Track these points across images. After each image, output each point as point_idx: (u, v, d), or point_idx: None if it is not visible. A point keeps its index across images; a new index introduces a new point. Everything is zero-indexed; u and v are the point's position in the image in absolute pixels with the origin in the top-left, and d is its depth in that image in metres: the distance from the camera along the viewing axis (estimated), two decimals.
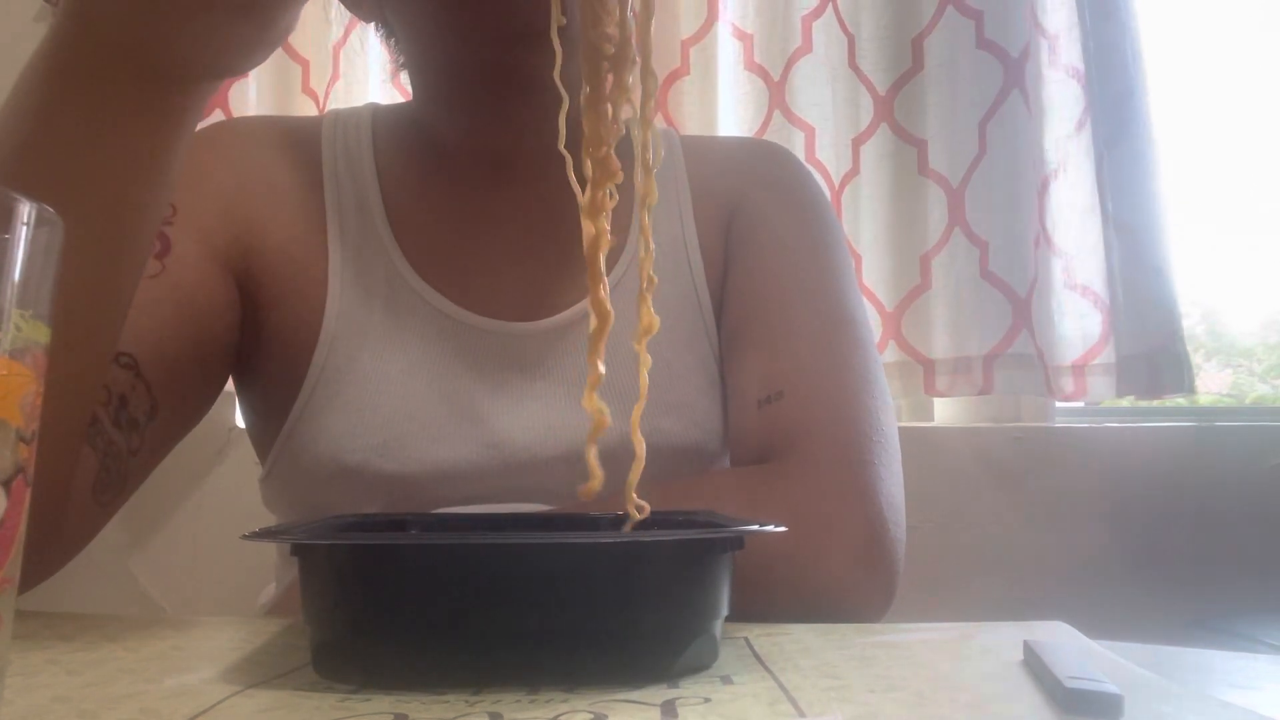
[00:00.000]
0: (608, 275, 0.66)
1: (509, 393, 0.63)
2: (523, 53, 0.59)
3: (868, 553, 0.54)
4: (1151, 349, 1.13)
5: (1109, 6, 1.17)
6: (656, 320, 0.43)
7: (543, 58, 0.60)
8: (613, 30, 0.44)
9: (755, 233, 0.68)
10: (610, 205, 0.43)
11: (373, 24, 0.72)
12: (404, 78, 0.71)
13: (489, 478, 0.61)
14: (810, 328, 0.63)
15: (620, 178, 0.43)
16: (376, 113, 0.71)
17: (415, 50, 0.67)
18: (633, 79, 0.44)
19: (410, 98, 0.72)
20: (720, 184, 0.71)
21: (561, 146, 0.42)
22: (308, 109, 1.25)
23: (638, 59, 0.44)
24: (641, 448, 0.42)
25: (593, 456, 0.42)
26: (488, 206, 0.68)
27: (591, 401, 0.42)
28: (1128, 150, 1.15)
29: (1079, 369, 1.17)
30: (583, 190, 0.43)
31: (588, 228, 0.43)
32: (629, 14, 0.44)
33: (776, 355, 0.62)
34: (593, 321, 0.43)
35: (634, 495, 0.42)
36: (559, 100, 0.43)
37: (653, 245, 0.43)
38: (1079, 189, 1.17)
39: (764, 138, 1.22)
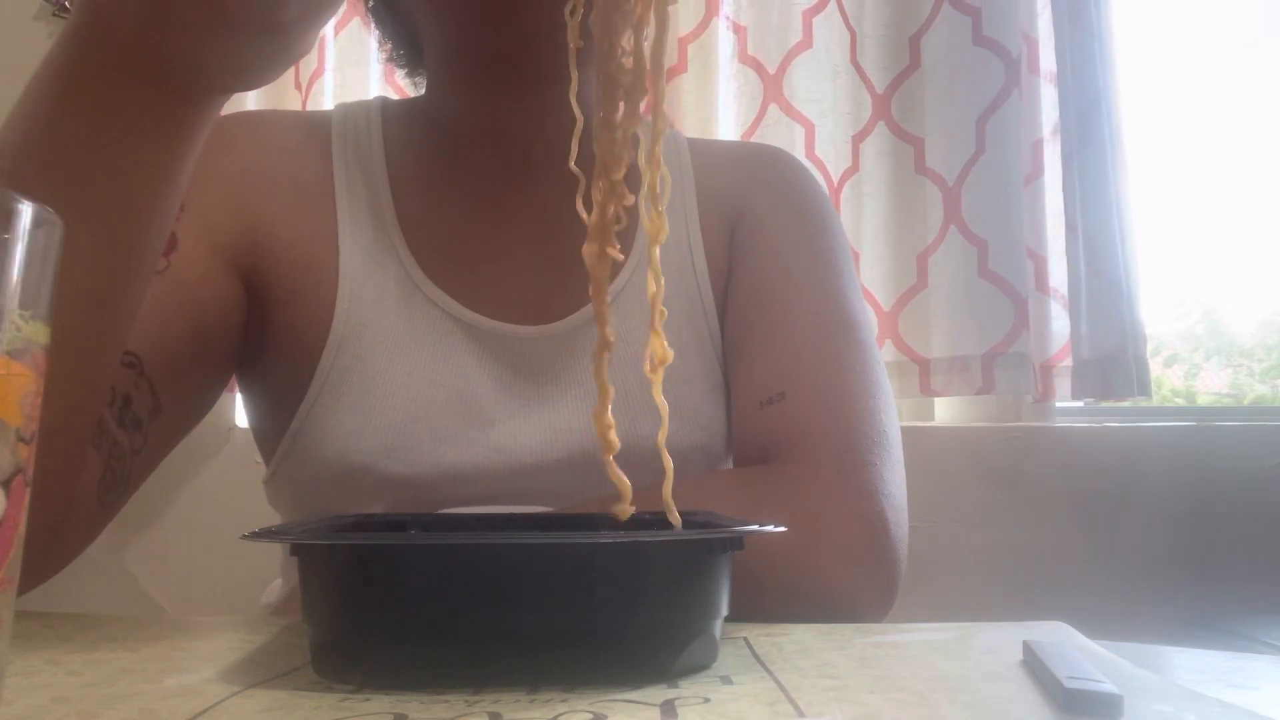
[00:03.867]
0: (610, 285, 0.67)
1: (516, 396, 0.63)
2: (560, 21, 0.60)
3: (869, 553, 0.54)
4: (1105, 354, 1.14)
5: (1081, 13, 1.17)
6: (670, 353, 0.43)
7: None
8: (628, 60, 0.44)
9: (758, 237, 0.69)
10: (618, 228, 0.44)
11: (372, 16, 0.72)
12: (398, 78, 0.71)
13: (494, 480, 0.62)
14: (812, 329, 0.63)
15: (631, 200, 0.44)
16: (386, 107, 0.71)
17: (440, 34, 0.66)
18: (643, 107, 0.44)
19: (406, 96, 0.72)
20: (725, 188, 0.71)
21: (572, 164, 0.43)
22: (294, 102, 1.26)
23: (649, 89, 0.44)
24: (669, 468, 0.42)
25: (615, 471, 0.42)
26: (501, 205, 0.67)
27: (603, 419, 0.42)
28: (1092, 157, 1.16)
29: (1046, 370, 1.18)
30: (589, 212, 0.43)
31: (591, 249, 0.43)
32: (643, 44, 0.44)
33: (778, 357, 0.63)
34: (596, 343, 0.43)
35: (672, 505, 0.42)
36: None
37: (663, 280, 0.43)
38: (1052, 193, 1.19)
39: (761, 133, 1.23)
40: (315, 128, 0.68)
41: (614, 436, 0.42)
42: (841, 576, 0.53)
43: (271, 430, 0.65)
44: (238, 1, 0.37)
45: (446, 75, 0.68)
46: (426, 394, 0.62)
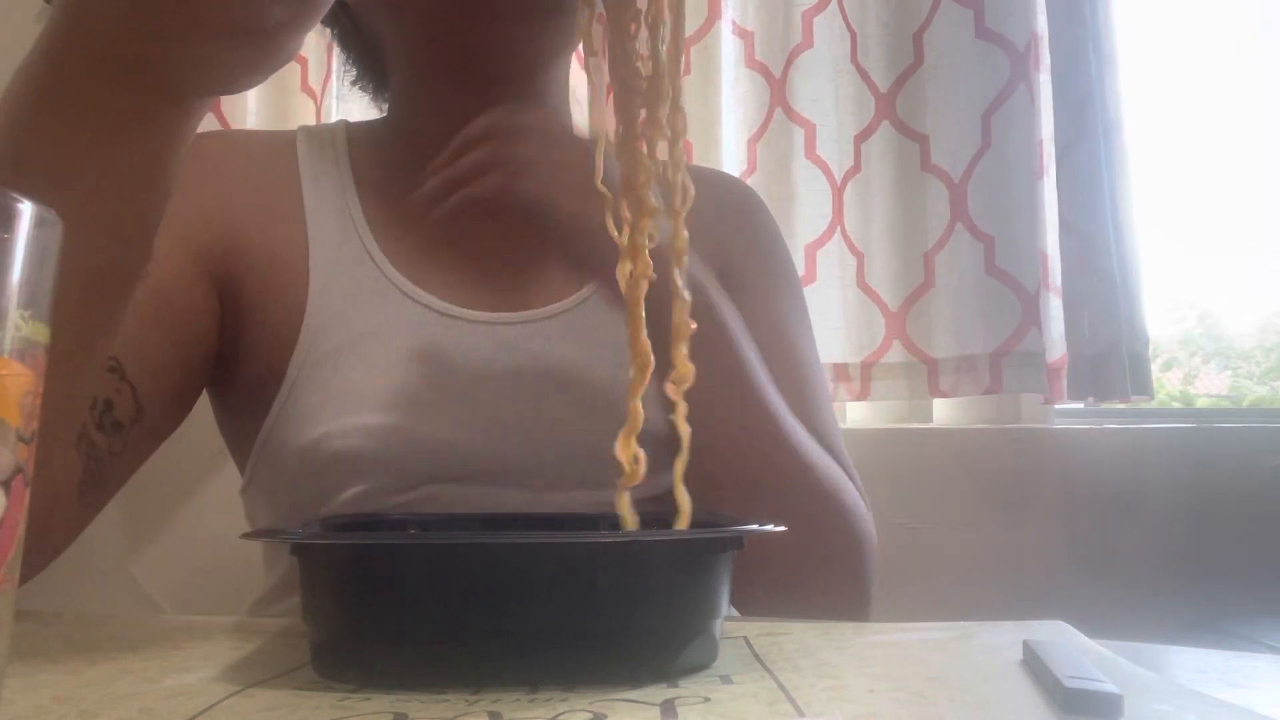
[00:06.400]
0: (583, 285, 0.68)
1: (492, 379, 0.64)
2: (523, 31, 0.61)
3: (863, 568, 0.64)
4: (1099, 353, 1.13)
5: (1076, 10, 1.16)
6: (691, 369, 0.44)
7: (539, 39, 0.61)
8: (643, 65, 0.43)
9: (728, 256, 0.72)
10: (649, 245, 0.44)
11: (337, 41, 0.75)
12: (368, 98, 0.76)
13: (475, 458, 0.62)
14: (799, 363, 0.71)
15: (658, 213, 0.44)
16: (350, 127, 0.74)
17: (402, 47, 0.68)
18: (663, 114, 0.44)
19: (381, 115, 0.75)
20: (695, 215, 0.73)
21: (599, 183, 0.43)
22: (306, 107, 1.26)
23: (670, 92, 0.43)
24: (686, 502, 0.43)
25: (625, 506, 0.43)
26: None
27: (628, 449, 0.43)
28: (1084, 154, 1.14)
29: (1054, 371, 1.17)
30: (619, 231, 0.44)
31: (625, 268, 0.43)
32: (659, 47, 0.43)
33: (778, 376, 0.66)
34: (632, 369, 0.44)
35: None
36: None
37: (687, 295, 0.44)
38: (1052, 190, 1.18)
39: (767, 137, 1.22)
40: (281, 142, 0.71)
41: (641, 467, 0.43)
42: (841, 585, 0.63)
43: (247, 435, 0.66)
44: (216, 9, 0.36)
45: (410, 88, 0.70)
46: (402, 378, 0.62)
